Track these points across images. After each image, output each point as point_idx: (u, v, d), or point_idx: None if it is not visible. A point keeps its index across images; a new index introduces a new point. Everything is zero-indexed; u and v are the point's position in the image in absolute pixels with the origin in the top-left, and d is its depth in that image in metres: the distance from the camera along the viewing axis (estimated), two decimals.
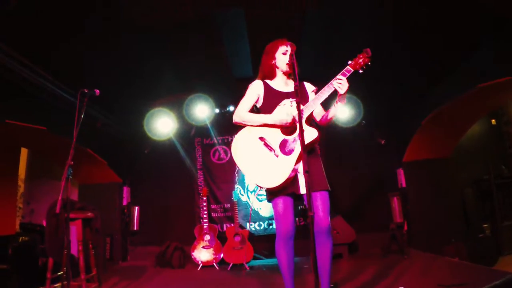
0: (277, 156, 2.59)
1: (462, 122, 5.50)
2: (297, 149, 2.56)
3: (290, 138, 2.64)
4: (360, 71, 2.57)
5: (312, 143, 2.60)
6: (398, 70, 4.90)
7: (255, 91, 2.84)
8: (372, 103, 5.94)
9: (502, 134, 6.44)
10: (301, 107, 2.47)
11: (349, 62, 2.57)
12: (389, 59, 4.53)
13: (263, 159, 2.60)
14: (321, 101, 2.60)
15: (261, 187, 2.62)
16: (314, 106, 2.63)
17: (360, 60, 2.54)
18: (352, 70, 2.55)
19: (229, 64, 5.08)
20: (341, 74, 2.53)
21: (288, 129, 2.66)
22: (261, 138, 2.66)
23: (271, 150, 2.62)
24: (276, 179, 2.53)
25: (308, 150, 2.60)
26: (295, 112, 2.47)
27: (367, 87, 5.16)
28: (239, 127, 2.80)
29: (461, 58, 4.44)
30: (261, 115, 2.72)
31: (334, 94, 2.59)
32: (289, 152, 2.59)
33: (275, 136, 2.66)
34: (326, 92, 2.56)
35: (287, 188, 2.60)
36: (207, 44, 4.62)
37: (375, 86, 5.21)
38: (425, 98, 5.43)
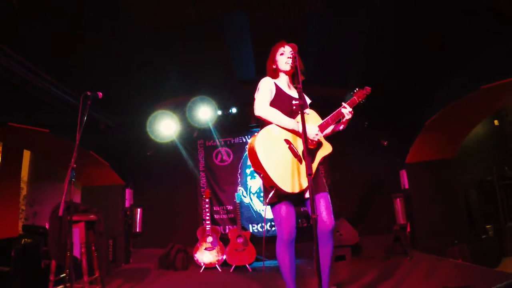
0: (301, 163, 2.55)
1: (466, 123, 5.47)
2: (316, 159, 2.66)
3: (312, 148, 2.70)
4: (360, 102, 2.83)
5: (326, 156, 2.73)
6: (401, 71, 4.89)
7: (269, 87, 2.75)
8: (375, 104, 5.91)
9: (505, 135, 6.41)
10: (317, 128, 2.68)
11: (355, 91, 2.84)
12: (392, 59, 4.52)
13: (288, 163, 2.51)
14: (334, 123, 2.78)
15: (283, 191, 2.44)
16: (328, 129, 2.81)
17: (362, 94, 2.83)
18: (357, 101, 2.81)
19: (232, 66, 5.08)
20: (350, 101, 2.77)
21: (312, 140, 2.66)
22: (287, 141, 2.57)
23: (296, 156, 2.56)
24: (299, 185, 2.49)
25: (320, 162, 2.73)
26: (320, 134, 2.65)
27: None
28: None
29: (465, 60, 4.43)
30: (290, 119, 2.61)
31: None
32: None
33: (299, 143, 2.63)
34: (336, 116, 2.75)
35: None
36: (210, 46, 4.61)
37: (378, 87, 5.19)
38: (428, 99, 5.41)
